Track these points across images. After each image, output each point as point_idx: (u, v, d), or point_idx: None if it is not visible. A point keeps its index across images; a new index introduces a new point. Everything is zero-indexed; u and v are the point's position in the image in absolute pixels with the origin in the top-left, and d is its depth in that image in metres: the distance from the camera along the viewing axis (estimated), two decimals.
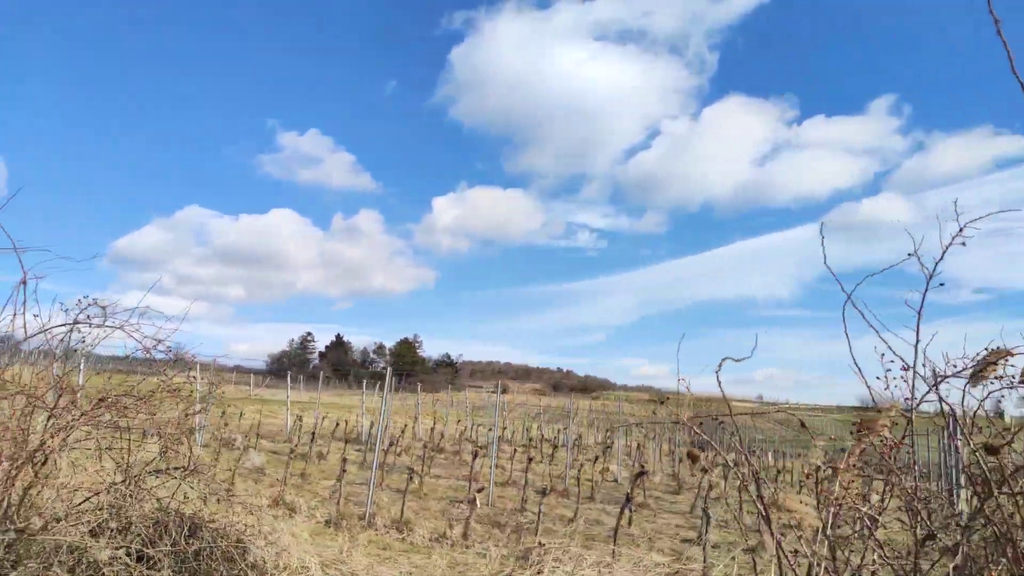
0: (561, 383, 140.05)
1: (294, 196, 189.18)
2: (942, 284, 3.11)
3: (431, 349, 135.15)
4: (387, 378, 9.83)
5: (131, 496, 5.08)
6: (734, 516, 12.60)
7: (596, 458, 15.23)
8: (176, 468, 5.00)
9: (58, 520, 5.15)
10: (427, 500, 12.08)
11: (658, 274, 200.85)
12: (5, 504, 5.13)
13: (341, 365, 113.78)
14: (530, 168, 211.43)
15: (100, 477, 5.09)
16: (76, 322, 5.12)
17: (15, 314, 5.17)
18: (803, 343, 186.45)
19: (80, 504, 5.20)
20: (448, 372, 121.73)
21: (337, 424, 20.27)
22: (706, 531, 7.73)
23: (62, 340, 5.17)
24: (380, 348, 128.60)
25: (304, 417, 20.69)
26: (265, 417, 28.23)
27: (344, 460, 9.45)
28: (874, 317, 3.27)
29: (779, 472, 22.14)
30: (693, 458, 3.28)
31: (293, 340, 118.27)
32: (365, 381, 36.16)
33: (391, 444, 14.31)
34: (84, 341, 5.28)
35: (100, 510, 5.08)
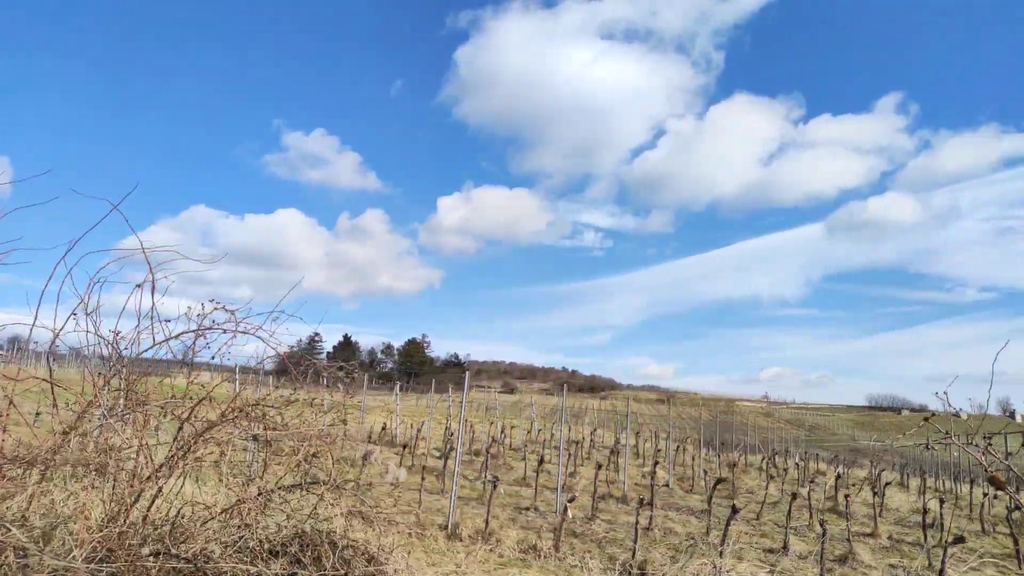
0: (568, 383, 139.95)
1: (300, 196, 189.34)
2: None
3: (438, 349, 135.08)
4: (465, 380, 9.51)
5: (265, 513, 4.77)
6: (807, 523, 12.29)
7: (656, 464, 14.92)
8: (316, 483, 4.69)
9: (186, 539, 4.85)
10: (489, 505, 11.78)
11: (663, 274, 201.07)
12: (127, 521, 4.84)
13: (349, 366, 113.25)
14: (536, 168, 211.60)
15: (234, 492, 4.77)
16: (208, 328, 4.81)
17: (139, 320, 4.86)
18: (809, 342, 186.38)
19: (208, 522, 4.90)
20: (456, 372, 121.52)
21: (383, 427, 19.97)
22: (823, 544, 7.39)
23: (191, 348, 4.85)
24: (388, 348, 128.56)
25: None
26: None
27: (422, 468, 9.12)
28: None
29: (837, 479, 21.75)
30: (998, 485, 2.91)
31: (301, 340, 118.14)
32: (368, 380, 35.84)
33: (450, 449, 13.96)
34: (209, 348, 4.97)
35: (234, 528, 4.77)
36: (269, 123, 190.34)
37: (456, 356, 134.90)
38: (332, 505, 4.59)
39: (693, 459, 20.07)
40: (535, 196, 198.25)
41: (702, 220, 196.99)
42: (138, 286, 5.05)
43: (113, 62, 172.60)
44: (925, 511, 10.19)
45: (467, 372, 10.09)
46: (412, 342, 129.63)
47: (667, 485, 15.04)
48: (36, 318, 4.52)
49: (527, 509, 11.46)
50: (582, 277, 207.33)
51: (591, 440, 25.03)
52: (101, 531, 4.74)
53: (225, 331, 4.82)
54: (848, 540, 9.44)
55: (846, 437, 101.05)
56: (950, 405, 3.29)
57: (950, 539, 7.23)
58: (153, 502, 4.92)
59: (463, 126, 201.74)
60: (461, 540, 8.52)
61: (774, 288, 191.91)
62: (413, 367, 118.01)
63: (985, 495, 15.16)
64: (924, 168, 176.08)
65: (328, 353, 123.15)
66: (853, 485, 18.04)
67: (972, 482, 20.58)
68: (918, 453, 59.98)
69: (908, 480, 24.81)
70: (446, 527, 9.00)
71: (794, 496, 9.80)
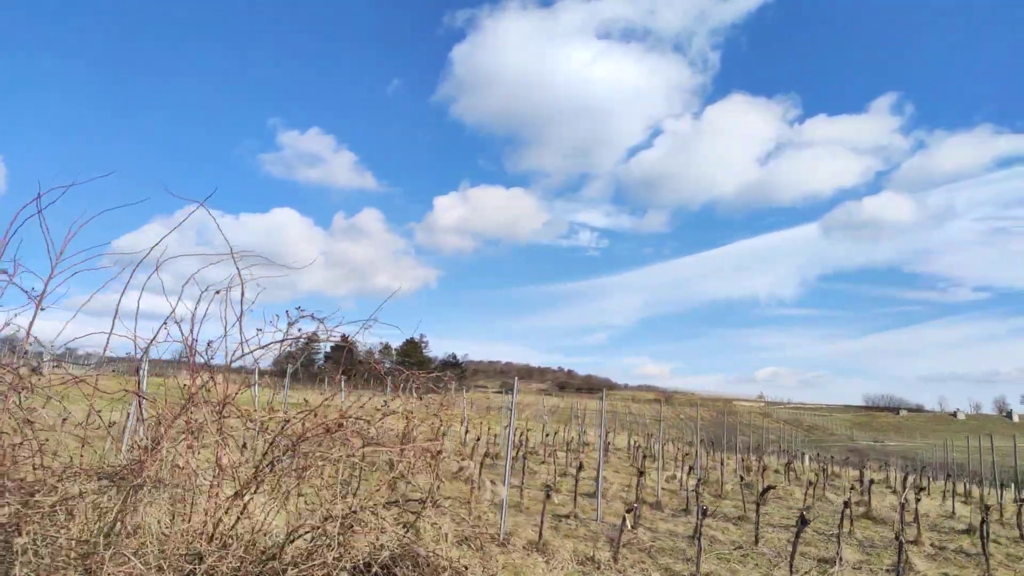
0: (566, 383, 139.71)
1: (296, 195, 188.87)
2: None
3: (435, 349, 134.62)
4: (514, 385, 9.28)
5: (354, 531, 4.56)
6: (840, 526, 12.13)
7: (690, 469, 14.74)
8: (413, 501, 4.49)
9: (273, 557, 4.64)
10: (527, 513, 11.58)
11: (660, 274, 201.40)
12: (212, 533, 4.63)
13: (347, 365, 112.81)
14: (533, 167, 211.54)
15: (326, 509, 4.56)
16: (301, 338, 4.61)
17: (226, 328, 4.65)
18: (806, 342, 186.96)
19: (296, 540, 4.69)
20: (455, 372, 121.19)
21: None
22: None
23: (284, 357, 4.65)
24: (386, 348, 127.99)
25: None
26: None
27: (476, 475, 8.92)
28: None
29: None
30: None
31: (299, 339, 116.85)
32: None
33: (484, 455, 13.72)
34: (292, 356, 4.77)
35: (323, 548, 4.56)
36: (265, 122, 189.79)
37: (454, 356, 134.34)
38: (433, 524, 4.39)
39: (722, 463, 19.88)
40: (532, 196, 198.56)
41: (699, 220, 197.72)
42: (217, 292, 4.86)
43: (111, 61, 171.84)
44: (984, 521, 10.02)
45: (516, 378, 9.87)
46: (410, 342, 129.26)
47: (695, 490, 14.85)
48: (122, 326, 4.31)
49: (566, 517, 11.26)
50: (579, 277, 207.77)
51: (606, 442, 24.81)
52: (187, 547, 4.53)
53: (318, 340, 4.63)
54: (900, 548, 9.28)
55: (844, 437, 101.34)
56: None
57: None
58: (238, 519, 4.72)
59: (460, 125, 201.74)
60: (516, 551, 8.32)
61: (771, 288, 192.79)
62: (411, 367, 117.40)
63: (1016, 501, 15.02)
64: (919, 168, 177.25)
65: (325, 354, 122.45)
66: (872, 483, 17.86)
67: (1002, 486, 20.47)
68: (920, 454, 60.08)
69: (927, 483, 24.71)
70: (496, 537, 8.80)
71: (846, 504, 9.64)
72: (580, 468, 11.32)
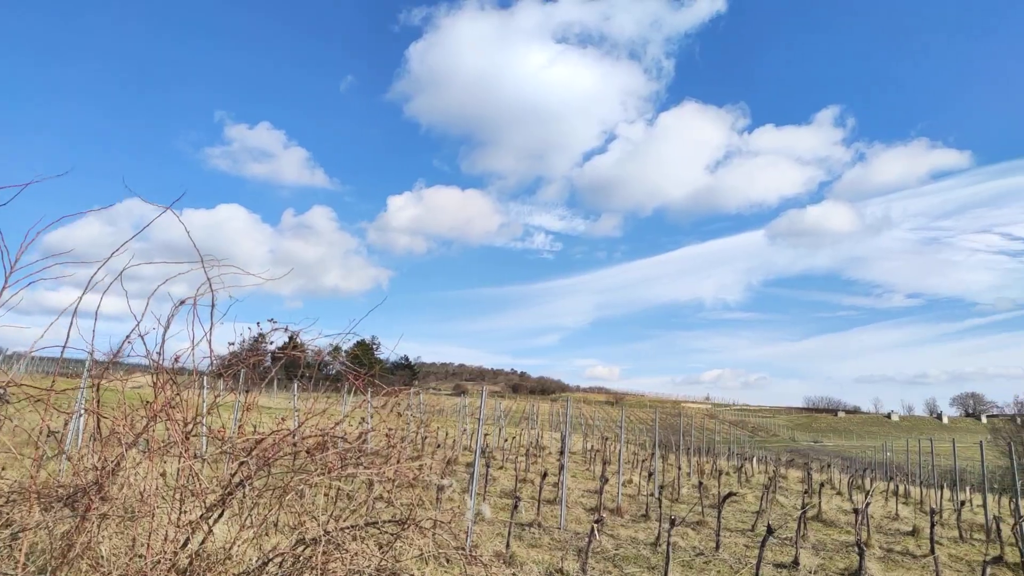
0: (519, 385, 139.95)
1: (243, 191, 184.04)
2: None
3: (387, 351, 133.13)
4: (482, 393, 9.10)
5: (333, 556, 4.35)
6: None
7: (649, 475, 14.84)
8: (393, 522, 4.30)
9: None
10: (490, 523, 11.44)
11: (611, 277, 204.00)
12: (174, 561, 4.35)
13: (294, 367, 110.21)
14: (489, 169, 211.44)
15: (298, 532, 4.33)
16: (269, 353, 4.36)
17: (192, 341, 4.37)
18: (749, 345, 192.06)
19: (266, 565, 4.45)
20: (406, 374, 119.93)
21: None
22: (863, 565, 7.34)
23: (249, 373, 4.39)
24: (336, 350, 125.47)
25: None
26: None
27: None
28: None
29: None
30: None
31: (244, 340, 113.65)
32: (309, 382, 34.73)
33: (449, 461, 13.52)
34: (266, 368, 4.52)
35: (297, 574, 4.33)
36: (211, 115, 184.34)
37: (406, 358, 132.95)
38: (411, 546, 4.23)
39: (679, 468, 20.13)
40: (487, 197, 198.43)
41: (650, 225, 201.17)
42: (181, 302, 4.59)
43: (44, 44, 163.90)
44: (933, 524, 10.37)
45: (484, 387, 9.72)
46: (361, 343, 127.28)
47: (653, 495, 14.97)
48: (80, 336, 4.00)
49: (529, 525, 11.17)
50: (532, 279, 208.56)
51: (562, 446, 24.83)
52: None
53: (286, 355, 4.40)
54: (862, 556, 9.51)
55: (786, 438, 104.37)
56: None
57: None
58: (203, 543, 4.45)
59: (415, 124, 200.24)
60: (484, 565, 8.18)
61: (717, 292, 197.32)
62: (362, 370, 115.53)
63: (963, 501, 15.66)
64: (859, 179, 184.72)
65: (272, 354, 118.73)
66: (822, 486, 18.39)
67: (942, 487, 21.31)
68: (858, 454, 62.38)
69: (866, 483, 25.58)
70: (462, 549, 8.63)
71: (803, 510, 9.83)
72: (544, 476, 11.24)
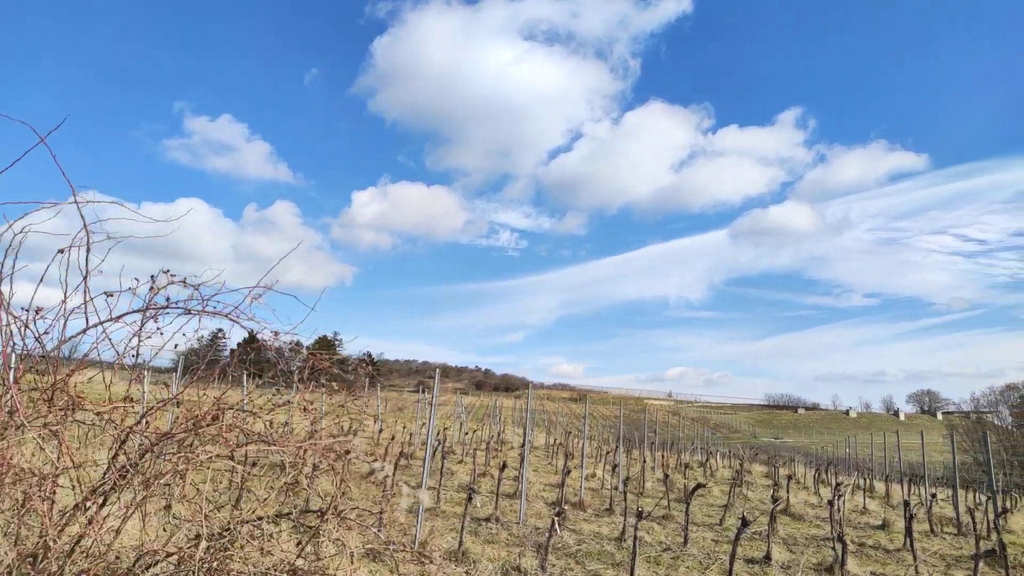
0: (483, 382, 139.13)
1: (204, 185, 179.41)
2: None
3: (350, 348, 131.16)
4: (436, 378, 8.36)
5: (232, 553, 3.61)
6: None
7: (614, 468, 14.29)
8: (311, 512, 3.58)
9: None
10: (445, 517, 10.74)
11: (576, 275, 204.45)
12: (43, 564, 3.56)
13: (254, 363, 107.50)
14: (455, 165, 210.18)
15: (197, 524, 3.57)
16: (164, 308, 3.59)
17: (65, 294, 3.58)
18: (711, 343, 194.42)
19: (155, 566, 3.68)
20: (368, 370, 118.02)
21: None
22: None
23: (139, 333, 3.61)
24: (297, 346, 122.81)
25: None
26: None
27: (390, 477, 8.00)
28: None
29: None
30: None
31: (202, 337, 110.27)
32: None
33: (400, 455, 12.64)
34: (162, 334, 3.73)
35: (191, 574, 3.57)
36: (170, 106, 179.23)
37: (368, 354, 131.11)
38: (335, 540, 3.51)
39: (644, 461, 19.65)
40: (453, 194, 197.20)
41: (615, 223, 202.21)
42: (60, 251, 3.78)
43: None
44: (910, 517, 9.98)
45: (437, 371, 9.00)
46: (323, 340, 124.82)
47: (617, 488, 14.44)
48: None
49: (486, 520, 10.49)
50: (497, 277, 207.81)
51: (523, 438, 24.16)
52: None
53: (189, 312, 3.64)
54: (844, 549, 9.05)
55: (748, 434, 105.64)
56: None
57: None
58: (79, 540, 3.66)
59: (379, 119, 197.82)
60: (432, 562, 7.47)
61: (680, 291, 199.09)
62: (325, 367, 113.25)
63: (933, 494, 15.48)
64: (820, 180, 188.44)
65: (232, 350, 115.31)
66: (791, 479, 18.11)
67: (911, 481, 21.28)
68: (818, 450, 63.17)
69: (831, 477, 25.55)
70: (396, 545, 7.90)
71: (775, 502, 9.34)
72: (503, 468, 10.57)
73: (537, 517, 11.37)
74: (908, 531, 9.49)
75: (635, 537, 7.05)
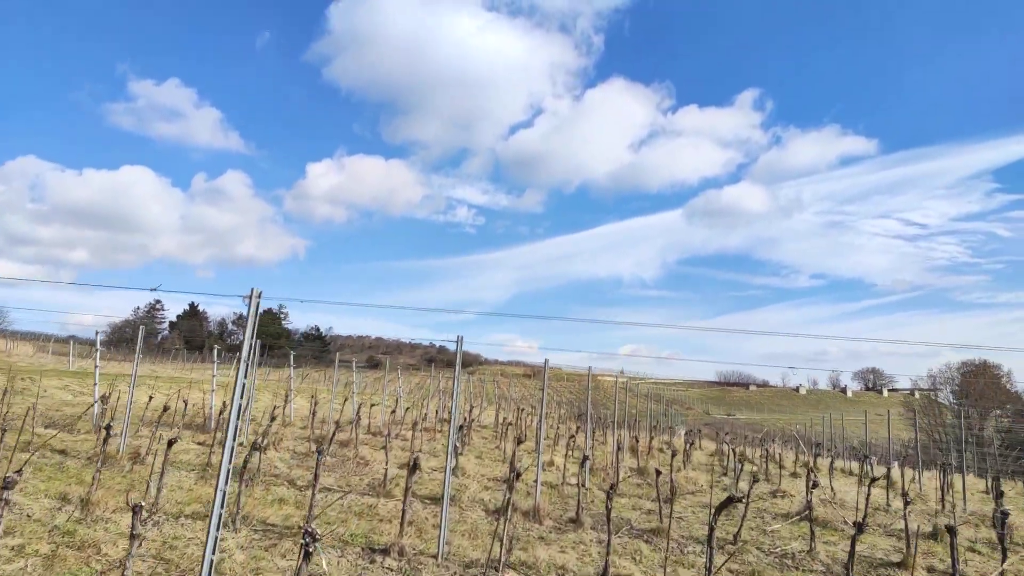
0: (435, 358, 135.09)
1: (150, 152, 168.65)
2: None
3: (299, 321, 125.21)
4: (247, 333, 4.53)
5: None
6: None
7: (584, 459, 10.70)
8: None
9: None
10: (322, 541, 6.89)
11: (533, 252, 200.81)
12: None
13: (195, 336, 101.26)
14: (412, 137, 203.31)
15: None
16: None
17: None
18: (663, 321, 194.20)
19: None
20: (316, 346, 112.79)
21: (167, 408, 14.28)
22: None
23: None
24: (239, 319, 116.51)
25: (127, 396, 14.35)
26: (76, 396, 21.17)
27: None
28: None
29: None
30: None
31: (139, 308, 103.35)
32: (217, 351, 28.24)
33: (264, 437, 8.82)
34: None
35: None
36: (112, 67, 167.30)
37: (317, 329, 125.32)
38: None
39: (617, 447, 16.12)
40: (411, 168, 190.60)
41: (573, 201, 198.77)
42: None
43: None
44: (906, 503, 6.63)
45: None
46: (268, 312, 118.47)
47: (584, 485, 10.88)
48: None
49: (383, 553, 6.68)
50: (453, 253, 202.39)
51: (470, 420, 20.39)
52: None
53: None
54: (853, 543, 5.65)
55: (701, 411, 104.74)
56: None
57: None
58: None
59: (335, 88, 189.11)
60: None
61: (634, 270, 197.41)
62: (268, 340, 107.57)
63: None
64: (774, 162, 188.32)
65: (171, 323, 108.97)
66: (769, 462, 14.88)
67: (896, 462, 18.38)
68: (771, 427, 61.58)
69: (813, 460, 22.68)
70: None
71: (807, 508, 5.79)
72: (415, 468, 6.77)
73: (472, 537, 7.62)
74: (906, 519, 6.09)
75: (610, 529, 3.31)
